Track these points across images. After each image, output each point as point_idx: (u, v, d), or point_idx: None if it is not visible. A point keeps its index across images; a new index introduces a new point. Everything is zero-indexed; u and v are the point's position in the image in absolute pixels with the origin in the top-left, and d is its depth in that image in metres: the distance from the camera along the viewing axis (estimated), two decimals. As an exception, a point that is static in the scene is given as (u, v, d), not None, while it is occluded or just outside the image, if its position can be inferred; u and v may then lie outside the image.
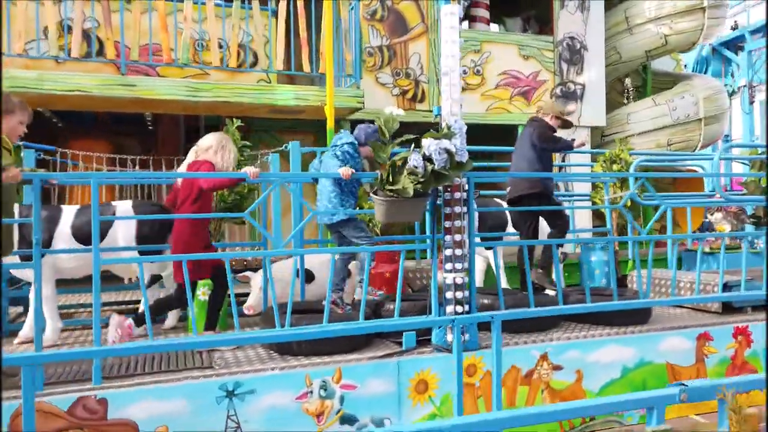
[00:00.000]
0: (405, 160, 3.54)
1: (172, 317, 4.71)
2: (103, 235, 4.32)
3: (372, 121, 4.28)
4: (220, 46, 6.97)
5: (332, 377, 3.56)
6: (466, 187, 3.95)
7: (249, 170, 3.77)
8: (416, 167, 3.49)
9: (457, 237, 3.84)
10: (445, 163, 3.54)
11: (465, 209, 3.91)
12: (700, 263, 4.62)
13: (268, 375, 3.46)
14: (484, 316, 3.66)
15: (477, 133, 8.82)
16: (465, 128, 3.70)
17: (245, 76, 7.23)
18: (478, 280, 5.75)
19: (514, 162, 5.15)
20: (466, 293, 3.88)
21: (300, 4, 6.98)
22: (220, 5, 6.82)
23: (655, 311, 5.03)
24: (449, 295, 3.84)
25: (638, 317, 4.62)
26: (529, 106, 9.34)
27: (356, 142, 4.42)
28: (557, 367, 4.10)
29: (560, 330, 4.39)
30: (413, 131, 3.93)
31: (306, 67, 7.10)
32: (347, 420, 3.59)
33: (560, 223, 5.01)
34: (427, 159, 3.53)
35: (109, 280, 4.80)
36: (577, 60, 9.69)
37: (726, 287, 4.89)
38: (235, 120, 4.66)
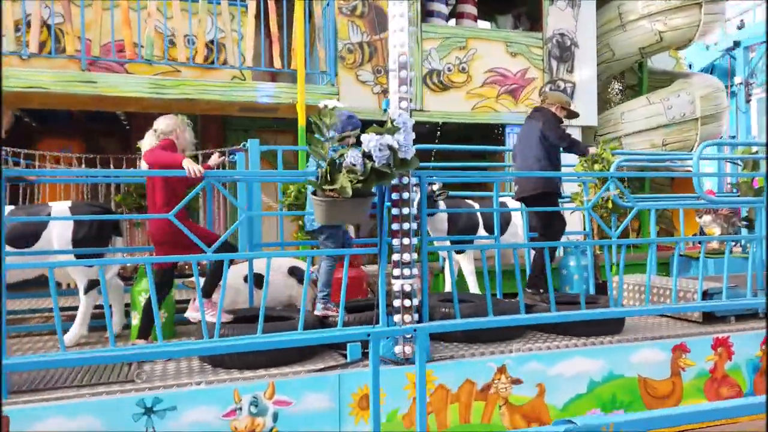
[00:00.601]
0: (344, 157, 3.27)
1: (117, 320, 4.46)
2: (36, 237, 4.09)
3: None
4: (193, 43, 6.74)
5: (264, 392, 3.29)
6: (418, 187, 3.67)
7: (189, 166, 3.51)
8: (354, 165, 3.22)
9: (406, 241, 3.55)
10: (387, 160, 3.27)
11: (416, 210, 3.63)
12: (676, 269, 4.31)
13: (191, 390, 3.19)
14: (407, 329, 3.40)
15: (462, 132, 8.51)
16: (411, 123, 3.42)
17: (218, 73, 7.00)
18: (449, 285, 5.46)
19: (521, 158, 4.88)
20: (416, 301, 3.59)
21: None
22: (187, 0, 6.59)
23: (632, 320, 4.73)
24: (397, 303, 3.56)
25: (610, 327, 4.32)
26: (516, 104, 9.06)
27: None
28: (517, 381, 3.80)
29: (522, 341, 4.09)
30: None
31: (277, 64, 6.86)
32: (281, 438, 3.31)
33: (558, 229, 4.72)
34: (368, 156, 3.26)
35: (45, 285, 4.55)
36: (568, 57, 9.39)
37: (706, 295, 4.57)
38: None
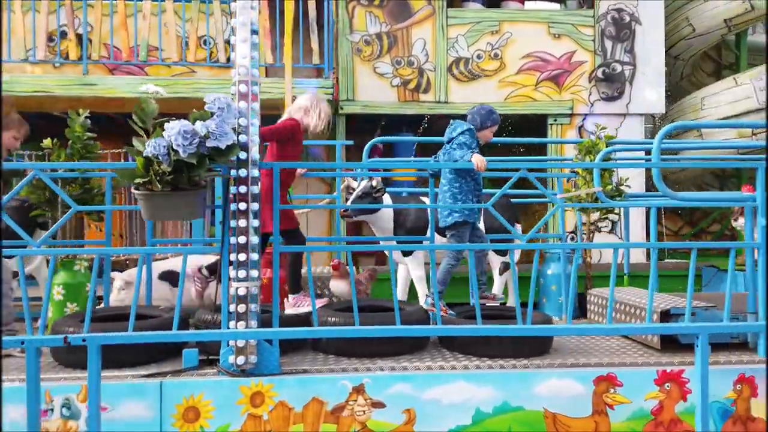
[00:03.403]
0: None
1: None
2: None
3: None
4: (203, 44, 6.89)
5: (77, 395, 3.15)
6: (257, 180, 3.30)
7: None
8: (156, 156, 2.95)
9: (242, 239, 3.22)
10: (194, 150, 2.96)
11: (256, 206, 3.27)
12: (613, 280, 3.46)
13: (8, 387, 3.13)
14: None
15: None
16: (231, 107, 3.07)
17: (226, 72, 7.07)
18: (400, 292, 4.95)
19: None
20: (254, 306, 3.24)
21: (263, -7, 6.65)
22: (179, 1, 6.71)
23: (574, 341, 3.92)
24: (232, 308, 3.24)
25: (531, 348, 3.59)
26: (560, 92, 8.11)
27: (473, 128, 4.06)
28: (378, 404, 3.28)
29: (391, 358, 3.53)
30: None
31: (269, 59, 6.76)
32: (97, 444, 3.15)
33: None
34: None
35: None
36: (626, 36, 8.22)
37: (667, 315, 3.63)
38: (81, 111, 4.42)
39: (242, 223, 3.21)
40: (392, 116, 8.09)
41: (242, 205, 3.21)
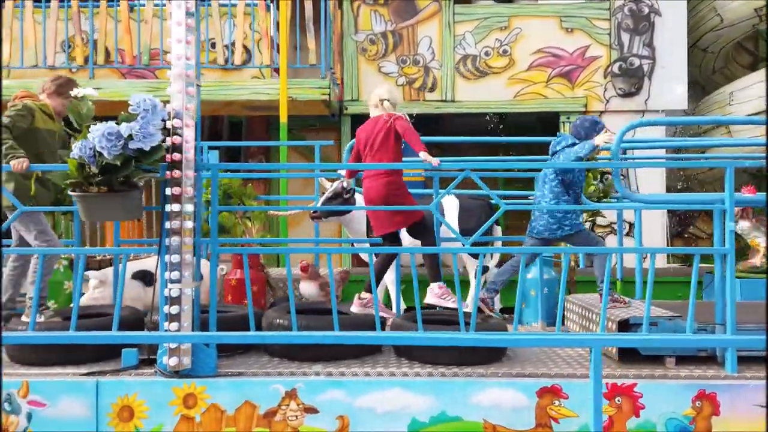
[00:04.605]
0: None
1: None
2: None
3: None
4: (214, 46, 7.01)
5: (18, 391, 3.23)
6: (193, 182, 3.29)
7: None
8: (81, 158, 3.00)
9: (175, 240, 3.22)
10: (119, 151, 2.98)
11: (190, 208, 3.27)
12: (606, 292, 3.27)
13: (-47, 381, 3.25)
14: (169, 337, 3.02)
15: (505, 123, 7.67)
16: (157, 108, 3.08)
17: (240, 73, 7.18)
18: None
19: None
20: (186, 308, 3.24)
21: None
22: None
23: (532, 350, 3.74)
24: (166, 309, 3.25)
25: (483, 356, 3.44)
26: (573, 89, 7.83)
27: (577, 142, 4.04)
28: (311, 410, 3.22)
29: (340, 362, 3.45)
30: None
31: (266, 60, 6.80)
32: (36, 440, 3.23)
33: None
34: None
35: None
36: (645, 28, 7.85)
37: (625, 325, 3.40)
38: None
39: (175, 224, 3.21)
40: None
41: (175, 207, 3.22)
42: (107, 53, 7.04)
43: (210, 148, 5.68)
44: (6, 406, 3.24)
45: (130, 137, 2.97)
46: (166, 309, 3.23)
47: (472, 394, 3.19)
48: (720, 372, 3.27)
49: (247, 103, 6.97)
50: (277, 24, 6.69)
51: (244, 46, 6.96)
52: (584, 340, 2.89)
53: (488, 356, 3.47)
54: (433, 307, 3.87)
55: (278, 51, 6.74)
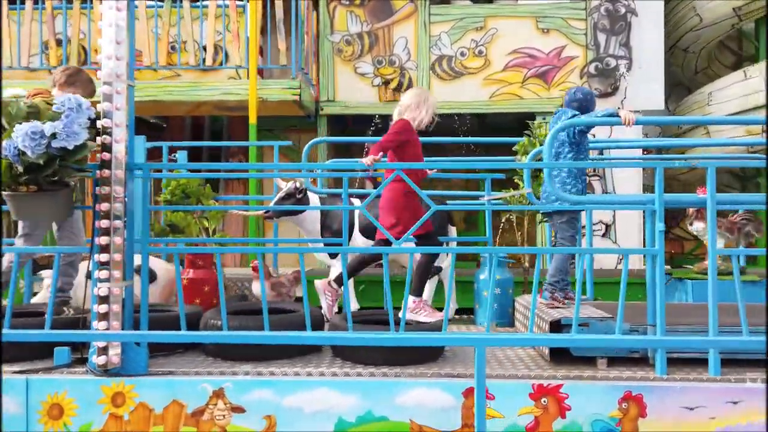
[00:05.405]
0: (17, 150, 3.08)
1: None
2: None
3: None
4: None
5: (-54, 387, 3.26)
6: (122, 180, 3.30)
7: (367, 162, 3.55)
8: (7, 156, 3.02)
9: (104, 240, 3.24)
10: (42, 150, 3.00)
11: (119, 207, 3.28)
12: (535, 293, 3.26)
13: None
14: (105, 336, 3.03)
15: (479, 124, 7.72)
16: (82, 107, 3.10)
17: (216, 74, 7.20)
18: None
19: None
20: (115, 307, 3.25)
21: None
22: (151, 7, 6.88)
23: (471, 349, 3.72)
24: (95, 308, 3.26)
25: (419, 354, 3.44)
26: (549, 90, 7.81)
27: (576, 113, 3.94)
28: (238, 409, 3.22)
29: (262, 362, 3.45)
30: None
31: (236, 60, 6.83)
32: (-33, 437, 3.25)
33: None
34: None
35: None
36: (621, 28, 7.81)
37: (557, 325, 3.38)
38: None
39: (104, 223, 3.23)
40: (372, 116, 8.01)
41: (104, 206, 3.23)
42: (82, 54, 7.10)
43: (175, 149, 5.72)
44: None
45: (54, 136, 2.99)
46: (95, 308, 3.25)
47: (399, 394, 3.17)
48: (649, 374, 3.25)
49: (219, 103, 7.00)
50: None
51: (220, 47, 6.99)
52: (467, 339, 2.88)
53: (424, 356, 3.46)
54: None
55: (236, 52, 6.76)
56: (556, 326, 3.40)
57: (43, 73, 7.12)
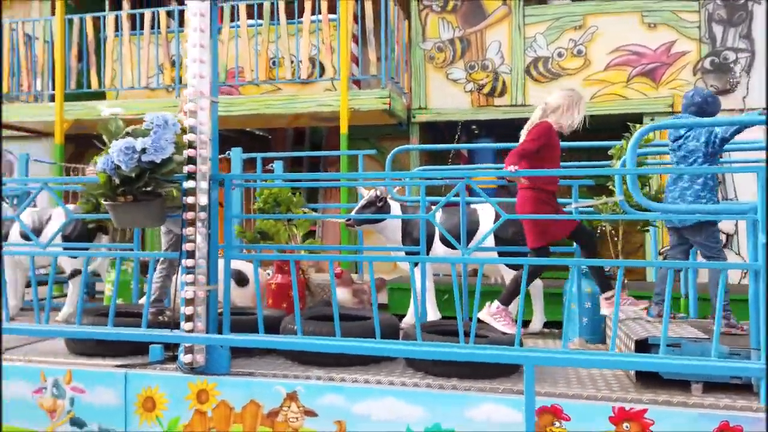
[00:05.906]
0: (116, 164, 3.39)
1: None
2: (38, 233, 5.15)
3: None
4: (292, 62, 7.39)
5: (64, 377, 3.63)
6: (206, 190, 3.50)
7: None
8: (105, 170, 3.32)
9: (190, 246, 3.46)
10: (134, 164, 3.27)
11: (204, 216, 3.49)
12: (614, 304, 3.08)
13: (13, 365, 3.73)
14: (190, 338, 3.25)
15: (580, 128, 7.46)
16: (169, 123, 3.33)
17: (313, 86, 7.49)
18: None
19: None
20: (200, 309, 3.46)
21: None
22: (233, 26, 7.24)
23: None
24: (183, 310, 3.49)
25: (494, 368, 3.34)
26: (657, 88, 7.32)
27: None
28: (310, 413, 3.30)
29: (337, 368, 3.49)
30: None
31: (330, 72, 7.03)
32: (76, 423, 3.60)
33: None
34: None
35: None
36: (741, 19, 7.14)
37: (643, 344, 3.11)
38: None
39: (189, 231, 3.45)
40: (470, 122, 7.93)
41: (190, 215, 3.46)
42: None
43: (271, 159, 6.02)
44: (54, 390, 3.66)
45: (144, 151, 3.25)
46: (182, 310, 3.48)
47: (465, 409, 3.10)
48: (753, 403, 2.91)
49: (314, 114, 7.24)
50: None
51: (316, 60, 7.24)
52: (516, 356, 2.71)
53: (498, 370, 3.35)
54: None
55: (330, 64, 6.95)
56: (642, 345, 3.15)
57: (161, 92, 7.79)
